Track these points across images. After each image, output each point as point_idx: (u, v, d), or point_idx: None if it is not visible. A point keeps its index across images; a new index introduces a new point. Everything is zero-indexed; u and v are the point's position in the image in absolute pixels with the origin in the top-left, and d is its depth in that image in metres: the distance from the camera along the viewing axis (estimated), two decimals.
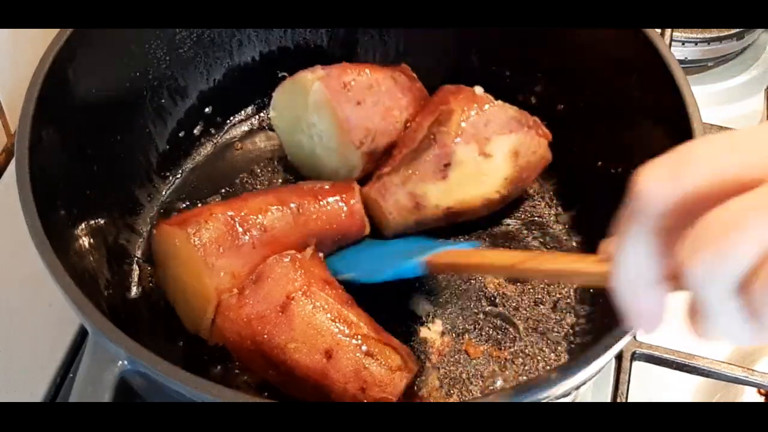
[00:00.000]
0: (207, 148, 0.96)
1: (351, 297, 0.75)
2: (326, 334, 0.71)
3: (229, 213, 0.76)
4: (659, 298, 0.43)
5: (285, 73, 0.89)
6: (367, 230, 0.84)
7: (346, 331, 0.71)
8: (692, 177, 0.39)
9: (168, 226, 0.76)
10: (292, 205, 0.79)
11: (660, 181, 0.40)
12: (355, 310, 0.74)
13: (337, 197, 0.82)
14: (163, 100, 0.89)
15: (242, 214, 0.76)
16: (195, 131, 0.95)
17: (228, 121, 0.98)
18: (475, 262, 0.68)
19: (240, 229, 0.75)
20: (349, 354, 0.70)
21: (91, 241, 0.75)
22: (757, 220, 0.36)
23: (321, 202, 0.81)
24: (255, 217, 0.76)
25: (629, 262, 0.42)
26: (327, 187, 0.83)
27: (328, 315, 0.72)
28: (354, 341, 0.71)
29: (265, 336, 0.70)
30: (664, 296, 0.42)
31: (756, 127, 0.41)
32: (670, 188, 0.39)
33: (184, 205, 0.90)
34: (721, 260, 0.37)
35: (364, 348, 0.71)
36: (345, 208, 0.82)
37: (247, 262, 0.74)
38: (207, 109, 0.95)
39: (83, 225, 0.74)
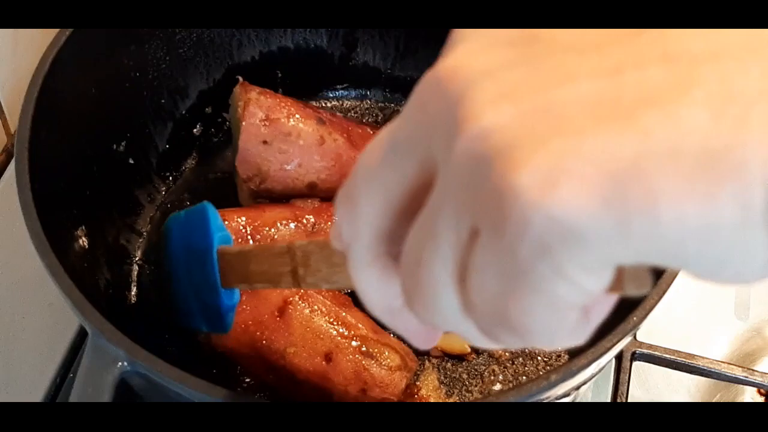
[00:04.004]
0: (207, 148, 0.96)
1: (348, 298, 0.75)
2: (325, 337, 0.71)
3: (243, 220, 0.75)
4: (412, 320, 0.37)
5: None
6: None
7: (345, 333, 0.71)
8: None
9: None
10: (307, 221, 0.78)
11: None
12: (353, 312, 0.74)
13: None
14: (163, 100, 0.89)
15: (256, 224, 0.76)
16: (195, 131, 0.95)
17: (228, 121, 0.98)
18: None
19: (249, 240, 0.75)
20: (349, 356, 0.70)
21: (91, 241, 0.75)
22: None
23: None
24: (267, 229, 0.76)
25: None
26: None
27: (326, 318, 0.72)
28: (353, 343, 0.71)
29: (264, 342, 0.70)
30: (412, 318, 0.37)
31: None
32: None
33: (184, 206, 0.90)
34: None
35: (363, 349, 0.71)
36: None
37: None
38: (207, 109, 0.95)
39: (83, 225, 0.74)
